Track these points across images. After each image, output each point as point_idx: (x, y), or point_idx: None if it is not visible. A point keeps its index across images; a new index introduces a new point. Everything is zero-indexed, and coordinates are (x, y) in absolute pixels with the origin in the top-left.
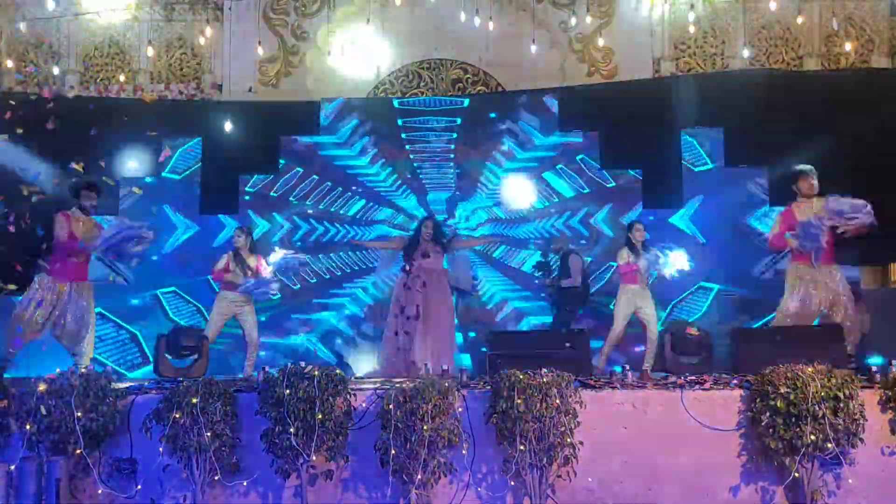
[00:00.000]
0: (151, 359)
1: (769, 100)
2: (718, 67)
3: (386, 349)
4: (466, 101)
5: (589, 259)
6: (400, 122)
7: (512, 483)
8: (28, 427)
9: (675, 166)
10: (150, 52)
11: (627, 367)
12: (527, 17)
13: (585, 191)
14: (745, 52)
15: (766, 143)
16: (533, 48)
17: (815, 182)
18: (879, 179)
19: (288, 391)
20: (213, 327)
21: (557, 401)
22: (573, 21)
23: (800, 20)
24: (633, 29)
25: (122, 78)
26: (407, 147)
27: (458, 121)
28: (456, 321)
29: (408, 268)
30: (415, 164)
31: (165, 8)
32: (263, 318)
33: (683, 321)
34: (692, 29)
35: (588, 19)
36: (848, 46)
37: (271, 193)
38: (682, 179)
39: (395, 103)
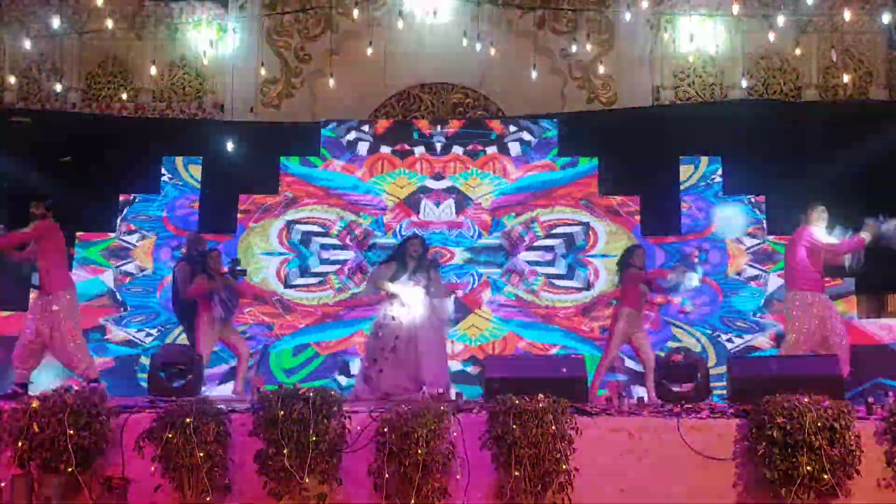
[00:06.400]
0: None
1: (767, 129)
2: (717, 96)
3: (357, 378)
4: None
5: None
6: (399, 144)
7: None
8: (20, 444)
9: (673, 193)
10: (153, 70)
11: (623, 393)
12: (528, 43)
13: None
14: (744, 82)
15: (764, 173)
16: (533, 74)
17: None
18: (875, 210)
19: (282, 412)
20: (206, 352)
21: (553, 427)
22: (574, 48)
23: (798, 52)
24: (632, 57)
25: (124, 96)
26: (408, 170)
27: (459, 145)
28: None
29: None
30: (414, 190)
31: (169, 27)
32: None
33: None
34: (691, 58)
35: (588, 47)
36: (846, 78)
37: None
38: (679, 206)
39: (400, 126)
